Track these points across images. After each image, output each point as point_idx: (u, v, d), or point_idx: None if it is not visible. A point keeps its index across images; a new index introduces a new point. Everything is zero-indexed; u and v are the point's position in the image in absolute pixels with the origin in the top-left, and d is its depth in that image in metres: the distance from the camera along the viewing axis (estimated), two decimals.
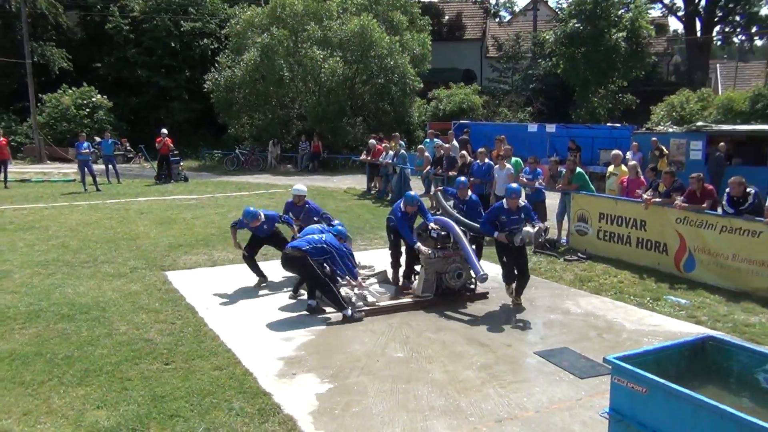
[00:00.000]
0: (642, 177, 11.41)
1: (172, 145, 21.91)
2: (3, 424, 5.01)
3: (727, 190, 9.33)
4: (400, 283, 9.00)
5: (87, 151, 19.48)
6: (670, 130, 20.06)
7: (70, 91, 30.75)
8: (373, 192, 19.12)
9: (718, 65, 39.61)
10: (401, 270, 9.10)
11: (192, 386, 5.72)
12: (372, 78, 27.61)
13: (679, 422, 3.84)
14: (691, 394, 3.82)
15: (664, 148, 17.38)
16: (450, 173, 14.97)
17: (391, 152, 17.90)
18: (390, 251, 9.21)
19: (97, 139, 25.13)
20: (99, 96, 31.05)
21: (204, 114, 31.55)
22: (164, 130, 22.10)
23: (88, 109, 30.50)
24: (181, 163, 22.94)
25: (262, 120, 28.20)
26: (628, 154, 15.88)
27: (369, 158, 19.19)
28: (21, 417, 5.13)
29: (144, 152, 26.95)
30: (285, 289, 8.83)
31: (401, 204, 8.71)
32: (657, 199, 10.08)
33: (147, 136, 27.11)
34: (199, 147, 30.63)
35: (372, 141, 19.65)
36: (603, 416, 4.43)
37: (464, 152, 15.31)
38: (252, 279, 9.22)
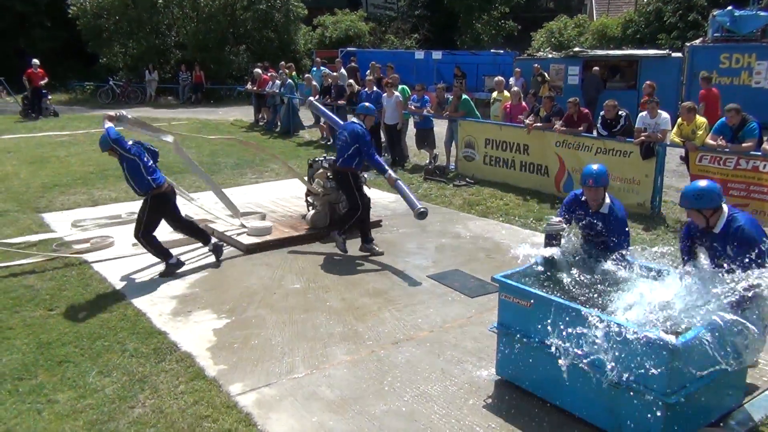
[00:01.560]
0: (524, 103, 11.82)
1: (46, 77, 20.27)
2: None
3: (602, 113, 9.87)
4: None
5: None
6: (550, 56, 20.78)
7: None
8: (261, 123, 18.64)
9: None
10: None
11: (80, 331, 5.50)
12: (253, 3, 26.42)
13: (559, 329, 4.13)
14: (568, 304, 4.12)
15: (546, 74, 18.01)
16: (339, 102, 14.82)
17: (278, 82, 17.42)
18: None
19: None
20: None
21: (70, 42, 29.08)
22: (35, 61, 20.27)
23: None
24: (50, 97, 21.22)
25: (136, 49, 26.43)
26: (511, 80, 16.35)
27: (255, 88, 18.59)
28: None
29: (5, 85, 24.63)
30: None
31: (361, 121, 7.66)
32: (538, 124, 10.50)
33: (7, 68, 24.74)
34: (67, 78, 28.32)
35: (257, 70, 18.99)
36: (492, 331, 4.71)
37: (352, 81, 15.18)
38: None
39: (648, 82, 11.77)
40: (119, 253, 7.54)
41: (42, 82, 20.07)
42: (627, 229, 5.00)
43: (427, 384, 4.70)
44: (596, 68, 17.66)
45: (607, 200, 4.93)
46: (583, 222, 5.03)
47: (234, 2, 26.26)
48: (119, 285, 6.55)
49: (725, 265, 4.09)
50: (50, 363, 4.96)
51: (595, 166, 4.98)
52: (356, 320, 5.79)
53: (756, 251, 3.99)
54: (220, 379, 4.75)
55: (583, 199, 5.04)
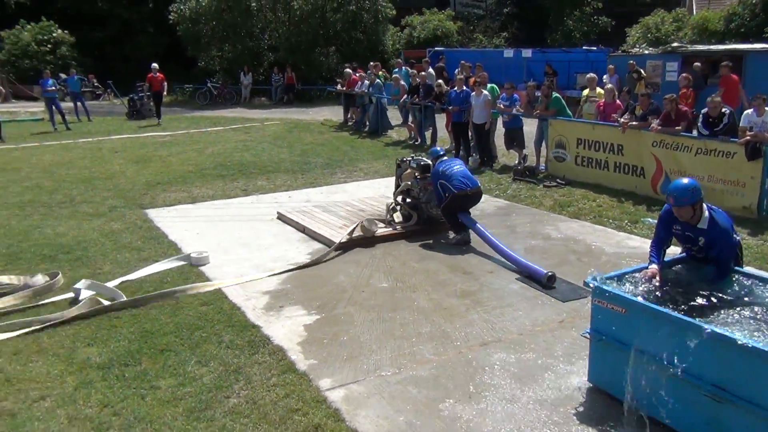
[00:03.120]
0: (618, 101, 11.41)
1: (165, 82, 20.31)
2: None
3: (704, 110, 9.39)
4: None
5: (53, 88, 18.93)
6: (646, 51, 19.97)
7: (29, 26, 29.55)
8: (350, 123, 18.93)
9: None
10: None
11: (180, 322, 5.78)
12: (343, 5, 26.86)
13: (658, 339, 3.99)
14: (667, 312, 3.96)
15: (642, 70, 17.32)
16: (427, 102, 14.84)
17: (366, 82, 17.62)
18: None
19: (63, 75, 24.36)
20: (60, 31, 29.90)
21: (171, 47, 30.63)
22: (155, 65, 20.25)
23: (49, 45, 29.42)
24: None
25: (232, 52, 27.45)
26: (605, 78, 15.83)
27: (344, 88, 18.89)
28: (12, 356, 5.16)
29: (113, 88, 26.22)
30: (269, 218, 8.83)
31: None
32: (633, 123, 10.12)
33: (115, 72, 26.33)
34: (168, 82, 29.76)
35: (348, 70, 19.29)
36: (584, 336, 4.59)
37: (440, 81, 15.14)
38: (233, 215, 9.21)
39: (684, 75, 11.20)
40: (219, 250, 7.86)
41: (162, 86, 19.97)
42: (735, 239, 4.74)
43: (515, 387, 4.64)
44: (697, 64, 16.80)
45: (706, 213, 4.59)
46: (684, 237, 4.79)
47: (324, 4, 26.78)
48: (216, 278, 6.82)
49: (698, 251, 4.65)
50: (153, 351, 5.23)
51: (685, 180, 4.71)
52: (444, 321, 5.79)
53: (731, 239, 4.65)
54: (310, 374, 4.87)
55: None
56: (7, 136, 16.98)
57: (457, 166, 8.06)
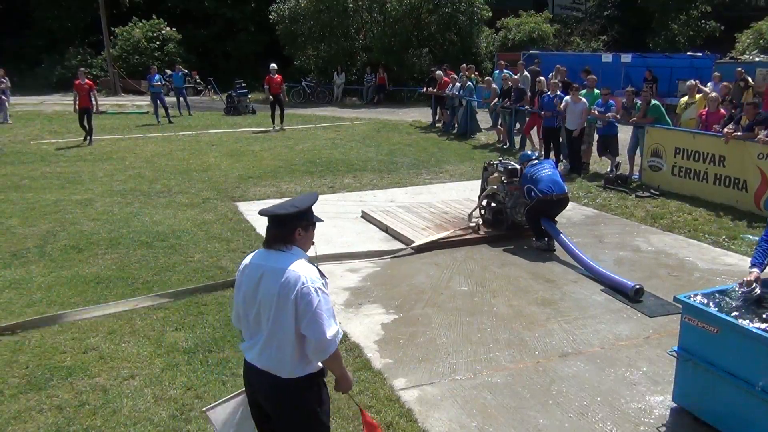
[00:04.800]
0: (722, 110, 10.82)
1: (283, 84, 18.92)
2: (92, 341, 5.37)
3: None
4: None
5: (159, 83, 19.97)
6: (757, 59, 18.83)
7: (141, 24, 31.29)
8: (438, 125, 18.90)
9: None
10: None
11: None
12: (439, 7, 26.84)
13: (752, 362, 3.77)
14: (764, 334, 3.72)
15: (749, 78, 16.35)
16: (519, 105, 14.60)
17: (457, 84, 17.54)
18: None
19: (168, 71, 25.64)
20: (168, 28, 31.50)
21: (270, 46, 31.58)
22: (273, 65, 18.45)
23: (158, 42, 31.06)
24: (249, 96, 23.18)
25: (326, 52, 28.02)
26: (709, 85, 15.04)
27: (435, 90, 18.88)
28: (107, 335, 5.49)
29: (214, 85, 27.34)
30: (354, 217, 8.95)
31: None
32: (738, 134, 9.57)
33: (215, 69, 27.41)
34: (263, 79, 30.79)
35: (439, 72, 19.26)
36: (671, 354, 4.39)
37: (541, 78, 14.76)
38: (319, 211, 9.39)
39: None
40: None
41: (281, 89, 18.41)
42: None
43: (594, 402, 4.50)
44: None
45: None
46: None
47: (420, 6, 26.84)
48: None
49: None
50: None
51: None
52: (523, 328, 5.68)
53: None
54: (385, 372, 4.90)
55: None
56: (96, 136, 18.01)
57: (546, 171, 7.88)
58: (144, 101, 24.50)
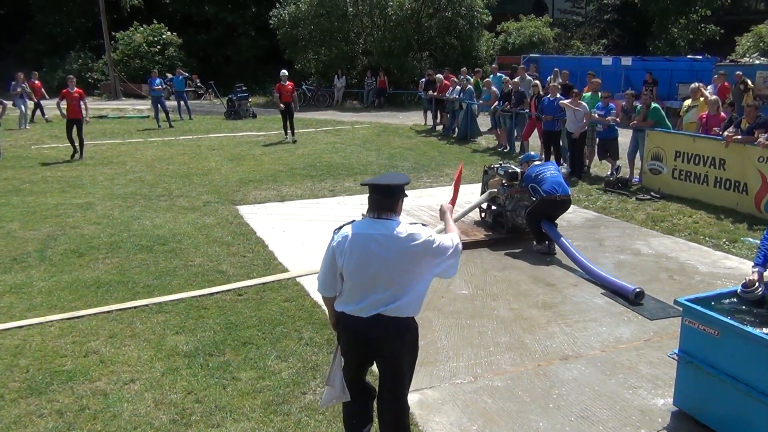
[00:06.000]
0: (723, 113, 10.83)
1: (294, 92, 17.39)
2: (92, 344, 5.37)
3: None
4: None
5: (159, 87, 20.00)
6: (757, 62, 18.86)
7: (141, 28, 31.39)
8: (438, 128, 18.91)
9: None
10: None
11: (263, 316, 5.96)
12: (439, 11, 26.91)
13: (753, 365, 3.76)
14: (764, 337, 3.72)
15: (749, 81, 16.36)
16: (519, 109, 14.61)
17: (457, 87, 17.56)
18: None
19: (169, 75, 25.69)
20: (169, 33, 31.59)
21: (271, 50, 31.67)
22: (284, 72, 17.27)
23: (159, 46, 31.16)
24: (249, 100, 23.22)
25: (327, 56, 28.07)
26: (709, 89, 15.05)
27: (435, 93, 18.89)
28: (107, 339, 5.49)
29: (215, 89, 27.40)
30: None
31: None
32: (738, 137, 9.58)
33: (216, 73, 27.47)
34: (266, 83, 30.85)
35: (439, 76, 19.25)
36: (671, 357, 4.38)
37: (537, 82, 14.80)
38: (320, 215, 9.41)
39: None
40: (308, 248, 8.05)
41: (293, 98, 17.01)
42: None
43: (595, 406, 4.49)
44: None
45: None
46: None
47: (420, 10, 26.91)
48: (299, 277, 6.99)
49: None
50: (236, 343, 5.42)
51: None
52: (523, 331, 5.68)
53: None
54: None
55: None
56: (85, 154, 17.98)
57: (551, 171, 7.90)
58: (145, 105, 24.55)
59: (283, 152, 15.09)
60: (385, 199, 3.41)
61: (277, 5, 28.38)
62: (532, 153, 8.96)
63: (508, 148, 15.29)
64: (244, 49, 32.83)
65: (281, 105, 16.57)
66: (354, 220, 3.54)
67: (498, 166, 8.88)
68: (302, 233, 8.57)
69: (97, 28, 30.53)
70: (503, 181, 8.42)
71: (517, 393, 4.67)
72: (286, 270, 7.22)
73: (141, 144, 16.37)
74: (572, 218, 9.18)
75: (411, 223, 3.46)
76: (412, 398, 4.56)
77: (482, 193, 8.91)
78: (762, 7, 37.32)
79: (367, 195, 3.56)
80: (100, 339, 5.49)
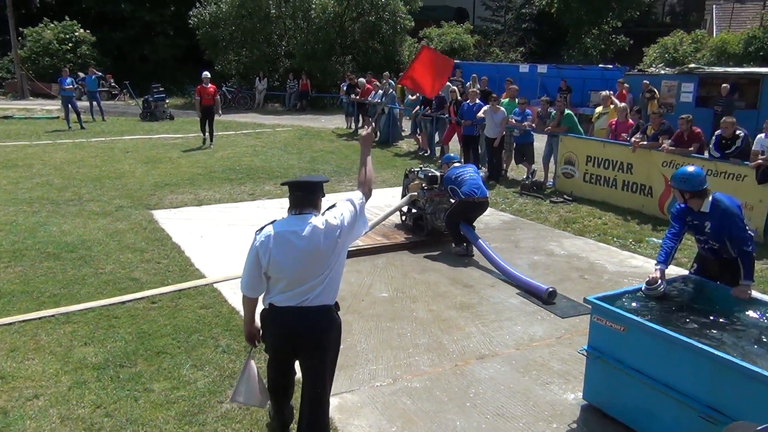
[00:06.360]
0: (630, 120, 11.37)
1: (217, 95, 16.45)
2: None
3: (718, 132, 9.34)
4: None
5: (71, 87, 19.07)
6: (662, 71, 19.91)
7: (52, 25, 29.94)
8: (360, 132, 18.93)
9: (714, 6, 38.88)
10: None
11: (178, 324, 5.78)
12: (362, 15, 27.00)
13: (656, 359, 3.95)
14: (666, 332, 3.92)
15: (655, 90, 17.26)
16: (439, 114, 14.84)
17: (380, 92, 17.66)
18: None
19: (81, 74, 24.62)
20: (82, 30, 30.27)
21: (190, 50, 30.89)
22: (206, 73, 16.25)
23: (70, 44, 29.78)
24: (167, 101, 22.55)
25: (248, 57, 27.64)
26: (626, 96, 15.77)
27: (357, 97, 18.94)
28: (8, 353, 5.17)
29: (129, 89, 26.46)
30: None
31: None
32: (644, 142, 10.07)
33: (131, 73, 26.56)
34: (185, 84, 30.02)
35: (361, 80, 19.30)
36: (581, 353, 4.55)
37: (455, 88, 15.08)
38: (239, 219, 9.23)
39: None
40: (226, 253, 7.87)
41: (215, 101, 15.97)
42: (742, 219, 4.80)
43: (510, 403, 4.60)
44: (726, 86, 16.60)
45: (709, 198, 4.78)
46: (694, 227, 4.91)
47: (344, 14, 26.93)
48: (217, 283, 6.83)
49: (707, 239, 4.81)
50: (149, 353, 5.23)
51: (691, 168, 4.90)
52: (442, 332, 5.76)
53: (738, 222, 4.68)
54: None
55: (690, 205, 4.88)
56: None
57: (470, 174, 8.06)
58: (54, 106, 23.41)
59: (202, 155, 14.74)
60: (306, 196, 3.57)
61: (197, 4, 27.72)
62: (452, 155, 9.10)
63: (429, 152, 15.49)
64: (162, 48, 31.88)
65: (201, 108, 15.76)
66: (275, 220, 3.60)
67: (419, 169, 8.98)
68: (221, 238, 8.38)
69: (2, 24, 28.89)
70: (423, 185, 8.52)
71: (435, 393, 4.72)
72: (203, 276, 7.04)
73: (50, 146, 15.58)
74: (490, 221, 9.40)
75: (328, 208, 3.65)
76: (332, 402, 4.53)
77: (403, 196, 8.99)
78: (668, 20, 39.51)
79: (288, 196, 3.64)
80: (0, 353, 5.18)
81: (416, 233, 8.57)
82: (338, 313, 3.73)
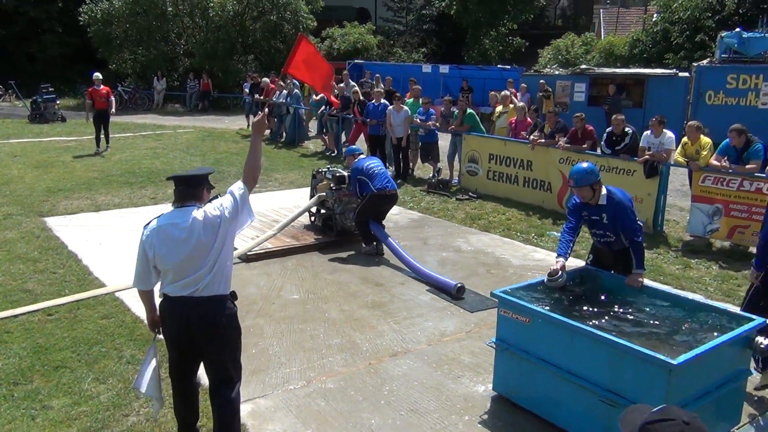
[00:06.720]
0: (529, 119, 11.82)
1: (111, 96, 15.22)
2: None
3: (609, 129, 9.87)
4: None
5: None
6: (557, 72, 20.83)
7: None
8: (266, 133, 18.68)
9: (601, 10, 41.15)
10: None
11: (78, 336, 5.50)
12: (264, 14, 26.59)
13: (559, 347, 4.13)
14: (568, 321, 4.11)
15: (550, 89, 18.04)
16: (345, 113, 14.86)
17: (284, 92, 17.47)
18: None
19: None
20: None
21: (81, 48, 29.28)
22: (97, 74, 15.20)
23: None
24: (58, 102, 21.32)
25: (145, 56, 26.58)
26: (517, 96, 16.37)
27: (261, 97, 18.63)
28: None
29: (15, 89, 24.82)
30: None
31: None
32: (542, 141, 10.50)
33: (19, 72, 24.92)
34: (76, 84, 28.44)
35: (265, 79, 18.99)
36: (490, 346, 4.69)
37: (357, 89, 15.13)
38: (140, 224, 8.87)
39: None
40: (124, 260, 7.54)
41: (108, 103, 14.81)
42: (633, 211, 5.10)
43: (423, 398, 4.68)
44: (612, 86, 17.58)
45: (603, 191, 5.02)
46: (591, 221, 5.13)
47: (244, 12, 26.42)
48: (118, 291, 6.54)
49: (605, 232, 5.03)
50: (46, 368, 4.95)
51: (584, 164, 5.09)
52: (354, 332, 5.77)
53: (630, 214, 4.98)
54: None
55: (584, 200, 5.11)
56: None
57: (378, 167, 8.13)
58: None
59: (98, 159, 14.06)
60: (188, 189, 3.70)
61: (88, 1, 26.35)
62: (354, 146, 9.07)
63: (336, 152, 15.47)
64: (50, 46, 30.05)
65: (92, 112, 14.72)
66: (162, 214, 3.76)
67: (326, 170, 8.95)
68: (121, 245, 8.00)
69: None
70: (332, 185, 8.50)
71: (349, 393, 4.73)
72: (103, 285, 6.72)
73: None
74: (398, 219, 9.52)
75: (209, 200, 3.77)
76: (244, 408, 4.45)
77: (311, 197, 8.94)
78: (560, 23, 41.37)
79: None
80: None
81: (326, 234, 8.55)
82: (235, 302, 3.79)
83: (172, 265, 3.61)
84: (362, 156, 8.44)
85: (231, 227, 3.69)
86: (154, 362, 3.89)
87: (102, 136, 14.89)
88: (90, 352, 5.23)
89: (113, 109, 15.33)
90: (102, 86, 14.87)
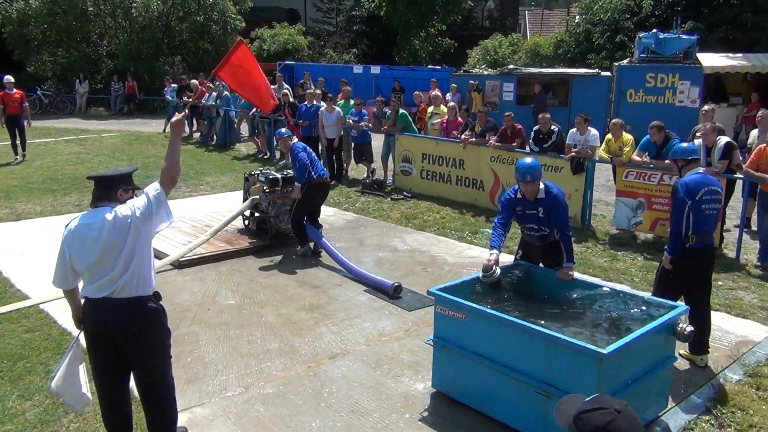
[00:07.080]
0: (460, 118, 12.01)
1: (25, 101, 14.50)
2: None
3: (536, 127, 10.14)
4: None
5: None
6: (485, 72, 21.26)
7: None
8: (195, 136, 18.29)
9: (526, 12, 42.29)
10: None
11: (0, 351, 5.23)
12: (190, 15, 26.03)
13: (494, 342, 4.22)
14: (502, 316, 4.20)
15: (477, 84, 18.41)
16: (277, 116, 14.69)
17: (214, 94, 17.14)
18: None
19: None
20: None
21: None
22: (9, 77, 14.41)
23: None
24: None
25: (66, 58, 25.57)
26: (447, 96, 16.60)
27: (191, 100, 18.21)
28: None
29: None
30: None
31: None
32: (473, 140, 10.69)
33: None
34: None
35: (194, 81, 18.58)
36: (428, 343, 4.73)
37: (286, 90, 15.02)
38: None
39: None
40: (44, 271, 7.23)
41: (22, 108, 14.17)
42: (567, 205, 5.34)
43: (363, 398, 4.68)
44: (538, 85, 18.10)
45: (542, 186, 5.18)
46: (525, 215, 5.25)
47: (169, 13, 25.79)
48: (43, 303, 6.26)
49: (540, 226, 5.20)
50: None
51: (528, 160, 5.21)
52: (292, 335, 5.72)
53: (565, 208, 5.24)
54: None
55: (519, 196, 5.23)
56: None
57: (314, 154, 8.16)
58: None
59: (17, 165, 13.42)
60: (102, 190, 3.70)
61: (2, 0, 25.13)
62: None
63: (268, 154, 15.31)
64: None
65: (5, 118, 13.88)
66: (82, 214, 3.72)
67: (259, 172, 8.84)
68: (44, 255, 7.64)
69: None
70: (265, 188, 8.40)
71: (289, 397, 4.68)
72: (26, 297, 6.42)
73: None
74: (334, 221, 9.50)
75: (124, 201, 3.72)
76: (182, 418, 4.34)
77: (244, 200, 8.80)
78: (487, 24, 42.23)
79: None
80: None
81: (260, 237, 8.44)
82: (159, 302, 3.74)
83: (85, 265, 3.58)
84: (294, 139, 8.44)
85: (145, 228, 3.61)
86: (69, 356, 3.80)
87: (18, 143, 14.14)
88: (14, 368, 4.99)
89: (29, 119, 14.52)
90: (15, 90, 14.06)
